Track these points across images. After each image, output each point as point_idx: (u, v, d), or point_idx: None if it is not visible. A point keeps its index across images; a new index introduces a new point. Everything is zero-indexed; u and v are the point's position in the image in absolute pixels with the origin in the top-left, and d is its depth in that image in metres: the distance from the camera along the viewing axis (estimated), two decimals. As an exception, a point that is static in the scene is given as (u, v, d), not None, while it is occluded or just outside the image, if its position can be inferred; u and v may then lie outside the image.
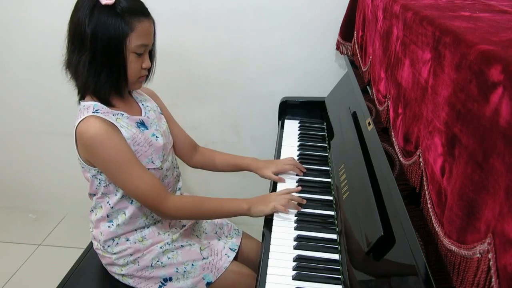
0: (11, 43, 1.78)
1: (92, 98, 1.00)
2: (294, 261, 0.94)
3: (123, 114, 1.01)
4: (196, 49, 1.67)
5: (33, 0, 1.68)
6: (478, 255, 0.46)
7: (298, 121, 1.61)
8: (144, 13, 0.96)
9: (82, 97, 1.03)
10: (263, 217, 1.09)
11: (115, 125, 0.97)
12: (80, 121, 0.96)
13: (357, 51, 1.44)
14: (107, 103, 1.00)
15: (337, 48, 1.63)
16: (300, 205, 1.11)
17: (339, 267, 0.92)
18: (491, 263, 0.43)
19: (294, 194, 1.14)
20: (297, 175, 1.25)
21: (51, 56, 1.76)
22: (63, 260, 1.50)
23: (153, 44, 1.04)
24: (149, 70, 1.05)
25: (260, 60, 1.71)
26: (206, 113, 1.84)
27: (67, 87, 1.85)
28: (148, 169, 1.03)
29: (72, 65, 0.95)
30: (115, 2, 0.91)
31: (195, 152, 1.28)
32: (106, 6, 0.91)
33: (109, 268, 1.13)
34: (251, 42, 1.68)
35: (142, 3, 0.98)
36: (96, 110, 0.97)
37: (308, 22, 1.63)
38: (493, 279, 0.42)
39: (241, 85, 1.77)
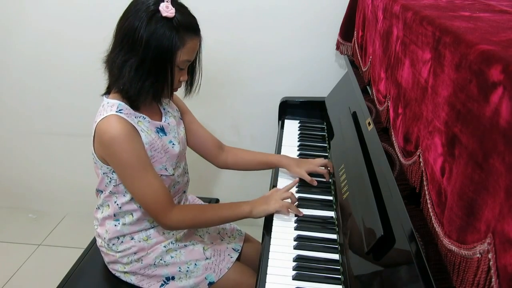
0: (10, 45, 1.78)
1: (120, 96, 0.98)
2: (294, 261, 0.94)
3: (145, 118, 1.01)
4: (196, 49, 1.67)
5: (32, 3, 1.68)
6: (478, 255, 0.46)
7: (298, 121, 1.61)
8: (196, 30, 0.98)
9: (107, 92, 1.03)
10: (264, 218, 1.08)
11: (136, 128, 0.97)
12: (102, 119, 0.95)
13: (357, 51, 1.44)
14: (136, 106, 0.99)
15: (337, 48, 1.63)
16: (300, 205, 1.11)
17: (339, 267, 0.92)
18: (491, 263, 0.43)
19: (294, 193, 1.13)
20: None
21: (50, 58, 1.78)
22: (63, 260, 1.50)
23: (199, 59, 1.05)
24: (192, 82, 1.08)
25: (260, 60, 1.71)
26: (206, 113, 1.84)
27: (67, 88, 1.85)
28: (161, 175, 1.03)
29: (116, 65, 0.94)
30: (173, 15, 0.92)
31: (222, 152, 1.27)
32: (165, 17, 0.91)
33: (111, 266, 1.13)
34: (251, 42, 1.68)
35: (196, 20, 0.99)
36: (119, 110, 0.96)
37: (308, 22, 1.63)
38: (493, 279, 0.42)
39: (241, 85, 1.77)
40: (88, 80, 1.02)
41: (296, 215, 1.07)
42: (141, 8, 0.92)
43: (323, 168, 1.22)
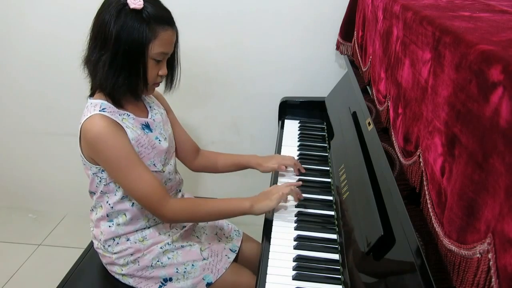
0: (10, 46, 1.78)
1: (103, 96, 0.99)
2: (294, 261, 0.94)
3: (129, 115, 1.01)
4: (197, 49, 1.67)
5: (32, 5, 1.68)
6: (478, 255, 0.46)
7: (298, 121, 1.61)
8: (169, 22, 0.97)
9: (92, 94, 1.03)
10: (264, 217, 1.08)
11: (121, 125, 0.97)
12: (86, 119, 0.96)
13: (357, 51, 1.44)
14: (118, 103, 0.99)
15: (337, 48, 1.63)
16: (300, 205, 1.11)
17: (339, 267, 0.92)
18: (491, 263, 0.43)
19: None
20: (297, 175, 1.25)
21: (49, 58, 1.78)
22: (63, 260, 1.50)
23: (177, 53, 1.04)
24: (172, 77, 1.07)
25: (260, 60, 1.71)
26: (206, 113, 1.84)
27: (66, 89, 1.85)
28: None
29: (91, 63, 0.95)
30: (142, 8, 0.92)
31: (197, 155, 1.28)
32: (134, 10, 0.91)
33: (109, 268, 1.13)
34: (252, 42, 1.68)
35: (168, 12, 0.98)
36: (103, 109, 0.97)
37: (308, 22, 1.63)
38: (493, 279, 0.42)
39: (241, 85, 1.77)
40: (88, 80, 1.02)
41: (296, 214, 1.07)
42: (112, 2, 0.92)
43: (291, 160, 1.26)
